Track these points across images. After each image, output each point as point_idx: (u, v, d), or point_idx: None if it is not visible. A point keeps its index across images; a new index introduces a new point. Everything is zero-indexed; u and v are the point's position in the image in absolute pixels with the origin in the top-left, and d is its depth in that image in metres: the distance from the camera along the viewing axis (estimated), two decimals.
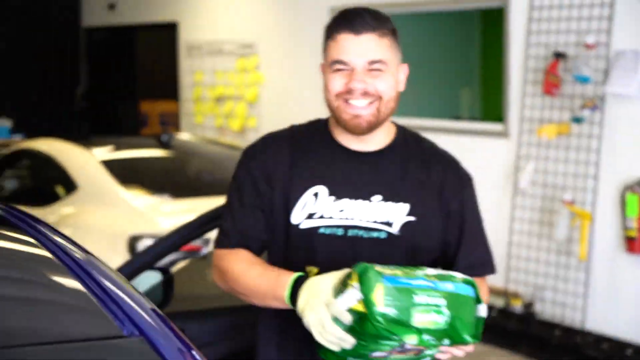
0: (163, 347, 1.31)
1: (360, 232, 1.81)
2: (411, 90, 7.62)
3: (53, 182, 4.82)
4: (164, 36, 9.07)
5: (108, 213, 4.36)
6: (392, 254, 1.80)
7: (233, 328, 2.61)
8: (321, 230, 1.80)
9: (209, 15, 8.36)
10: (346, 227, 1.80)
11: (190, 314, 2.64)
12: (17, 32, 10.66)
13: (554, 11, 5.24)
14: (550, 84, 5.24)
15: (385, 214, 1.82)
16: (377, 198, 1.82)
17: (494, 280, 4.36)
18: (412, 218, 1.83)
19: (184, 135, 5.84)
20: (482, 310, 1.61)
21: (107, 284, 1.46)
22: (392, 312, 1.52)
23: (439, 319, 1.56)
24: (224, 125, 7.75)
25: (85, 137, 7.17)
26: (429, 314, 1.55)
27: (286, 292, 1.68)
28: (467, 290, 1.59)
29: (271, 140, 1.91)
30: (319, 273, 1.73)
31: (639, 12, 4.86)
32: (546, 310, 5.20)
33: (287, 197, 1.83)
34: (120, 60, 10.66)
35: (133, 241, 4.09)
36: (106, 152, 4.94)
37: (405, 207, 1.83)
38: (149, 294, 2.63)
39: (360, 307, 1.54)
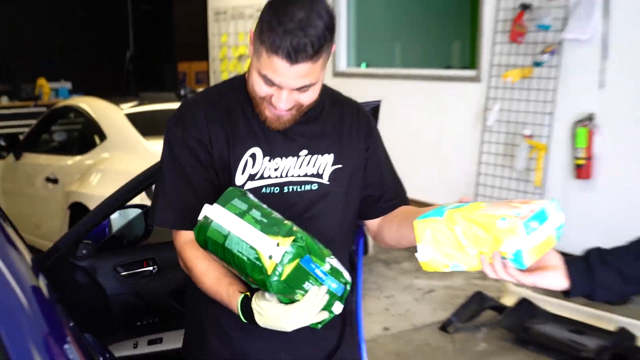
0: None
1: (294, 187, 1.82)
2: (406, 42, 8.12)
3: (90, 133, 5.66)
4: (197, 4, 10.16)
5: (130, 158, 5.20)
6: (326, 202, 1.85)
7: None
8: (263, 190, 1.80)
9: None
10: (282, 185, 1.82)
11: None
12: (75, 5, 12.12)
13: None
14: (516, 33, 5.74)
15: (313, 167, 1.85)
16: (304, 152, 1.84)
17: None
18: (338, 166, 1.87)
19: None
20: (337, 308, 1.65)
21: None
22: (283, 284, 1.57)
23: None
24: None
25: (133, 94, 8.02)
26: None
27: (244, 319, 1.64)
28: (338, 289, 1.65)
29: (196, 107, 1.82)
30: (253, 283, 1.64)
31: None
32: None
33: (228, 161, 1.79)
34: (161, 27, 12.06)
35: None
36: (131, 107, 5.78)
37: (330, 157, 1.86)
38: (130, 227, 2.81)
39: (269, 266, 1.55)
